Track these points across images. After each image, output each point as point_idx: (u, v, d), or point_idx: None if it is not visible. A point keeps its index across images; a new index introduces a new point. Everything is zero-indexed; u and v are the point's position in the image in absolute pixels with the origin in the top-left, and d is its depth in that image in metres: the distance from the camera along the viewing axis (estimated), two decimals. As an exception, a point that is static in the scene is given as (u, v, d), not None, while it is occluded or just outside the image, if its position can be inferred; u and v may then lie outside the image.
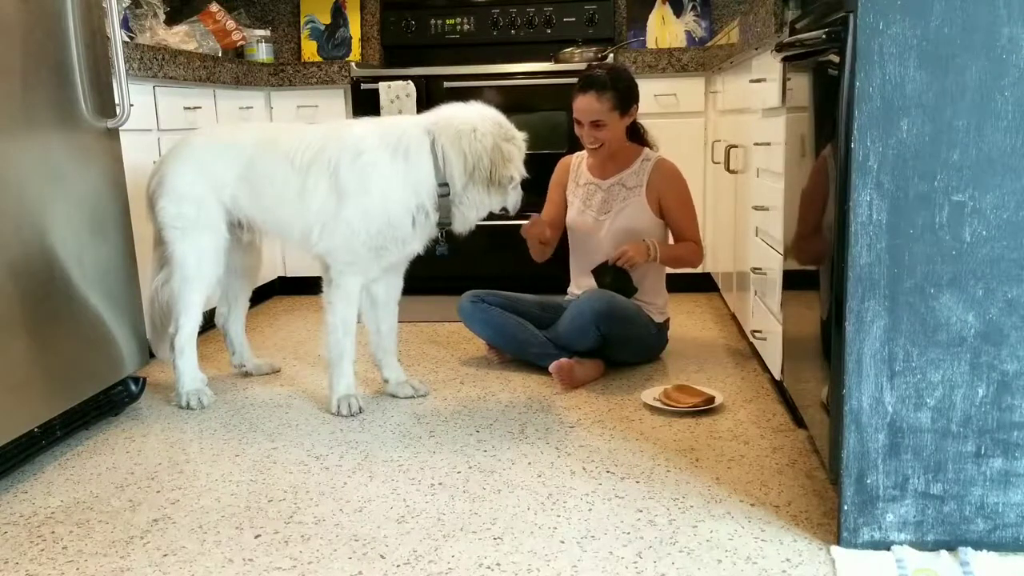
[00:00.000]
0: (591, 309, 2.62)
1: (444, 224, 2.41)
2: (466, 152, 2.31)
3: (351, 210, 2.32)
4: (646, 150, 2.90)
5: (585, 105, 2.75)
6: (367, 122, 2.44)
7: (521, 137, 2.42)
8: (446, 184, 2.33)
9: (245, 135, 2.51)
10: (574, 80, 2.88)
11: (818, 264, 1.78)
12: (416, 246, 2.43)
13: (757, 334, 2.61)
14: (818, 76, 1.78)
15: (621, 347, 2.74)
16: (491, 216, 2.48)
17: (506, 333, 2.83)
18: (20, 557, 1.70)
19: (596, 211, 2.88)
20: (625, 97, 2.77)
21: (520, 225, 2.82)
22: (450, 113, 2.37)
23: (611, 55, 3.79)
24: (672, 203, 2.83)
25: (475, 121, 2.33)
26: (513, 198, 2.45)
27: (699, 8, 4.37)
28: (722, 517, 1.77)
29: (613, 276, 2.70)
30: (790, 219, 2.11)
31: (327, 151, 2.36)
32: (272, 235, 2.55)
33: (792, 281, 2.12)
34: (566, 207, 2.98)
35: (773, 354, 2.38)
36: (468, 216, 2.41)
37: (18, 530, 1.82)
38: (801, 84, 1.96)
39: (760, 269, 2.55)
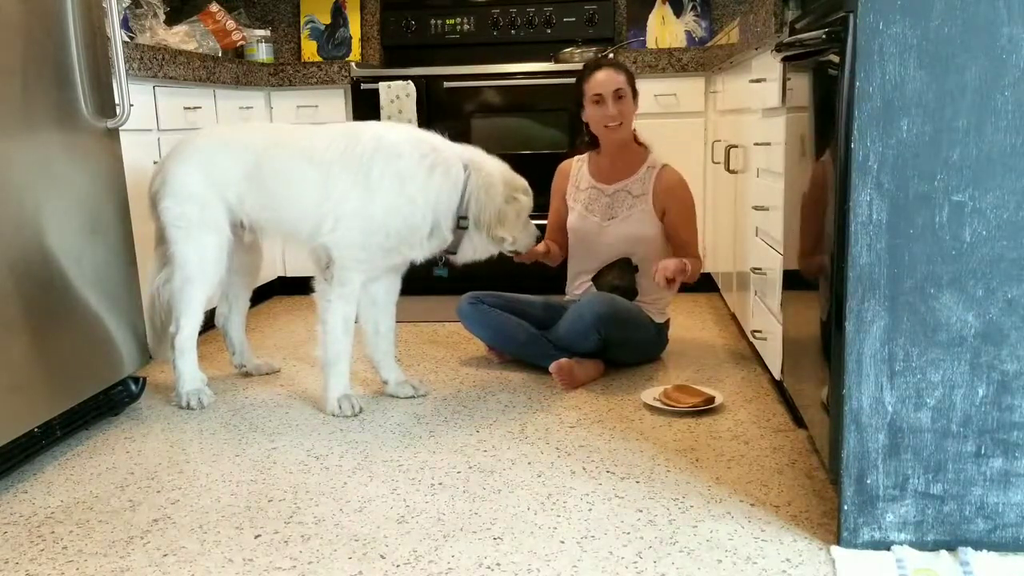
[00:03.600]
0: (592, 312, 2.62)
1: (450, 252, 2.50)
2: (480, 200, 2.42)
3: (377, 206, 2.35)
4: (651, 156, 2.89)
5: (606, 76, 2.78)
6: (396, 127, 2.49)
7: (526, 199, 2.52)
8: (465, 217, 2.42)
9: (250, 134, 2.51)
10: (574, 80, 2.89)
11: (818, 264, 1.78)
12: (419, 255, 2.48)
13: (757, 334, 2.61)
14: (818, 76, 1.78)
15: (621, 349, 2.74)
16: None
17: (505, 334, 2.83)
18: (20, 557, 1.70)
19: (600, 216, 2.88)
20: (633, 80, 2.82)
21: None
22: (482, 158, 2.48)
23: (611, 55, 3.79)
24: (676, 216, 2.83)
25: (495, 178, 2.45)
26: (523, 241, 2.57)
27: (699, 8, 4.37)
28: (722, 517, 1.77)
29: (620, 269, 2.73)
30: (790, 219, 2.11)
31: (357, 149, 2.38)
32: (276, 234, 2.55)
33: (792, 281, 2.12)
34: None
35: (773, 354, 2.38)
36: (466, 252, 2.51)
37: (18, 530, 1.82)
38: (801, 84, 1.96)
39: (760, 269, 2.55)
